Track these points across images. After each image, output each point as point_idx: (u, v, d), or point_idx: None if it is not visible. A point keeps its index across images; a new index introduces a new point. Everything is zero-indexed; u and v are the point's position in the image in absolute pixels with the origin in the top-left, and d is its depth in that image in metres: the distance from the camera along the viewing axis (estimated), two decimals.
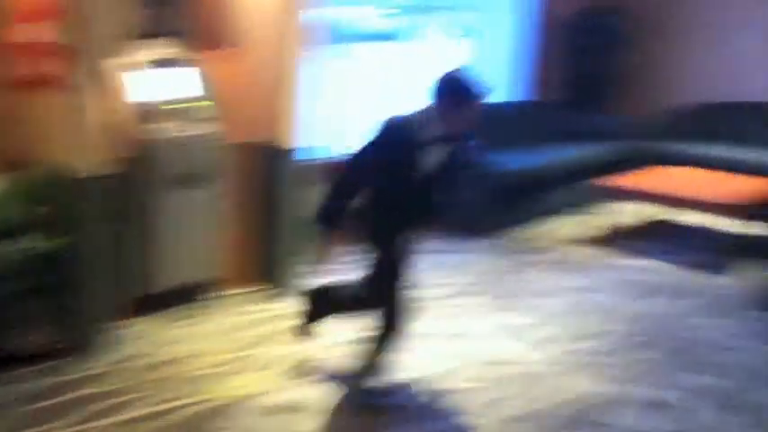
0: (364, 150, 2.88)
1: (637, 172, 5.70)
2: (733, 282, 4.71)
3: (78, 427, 2.85)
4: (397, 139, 2.83)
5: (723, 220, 5.32)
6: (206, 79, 3.75)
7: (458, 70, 2.88)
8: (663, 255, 5.18)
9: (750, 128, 6.46)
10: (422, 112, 2.85)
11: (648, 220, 5.90)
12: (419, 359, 3.41)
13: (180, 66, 3.70)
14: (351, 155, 2.94)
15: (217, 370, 3.34)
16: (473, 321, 4.00)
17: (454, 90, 2.81)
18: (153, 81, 3.61)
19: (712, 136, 6.42)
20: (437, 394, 3.23)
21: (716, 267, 4.90)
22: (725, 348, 3.80)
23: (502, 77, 6.69)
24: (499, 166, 5.41)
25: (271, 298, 4.09)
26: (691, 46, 7.04)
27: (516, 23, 6.72)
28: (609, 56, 7.01)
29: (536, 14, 6.73)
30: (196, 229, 3.80)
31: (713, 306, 4.35)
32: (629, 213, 5.75)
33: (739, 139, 6.31)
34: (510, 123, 6.10)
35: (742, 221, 5.04)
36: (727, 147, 6.15)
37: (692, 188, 5.28)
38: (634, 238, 5.59)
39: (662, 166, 5.92)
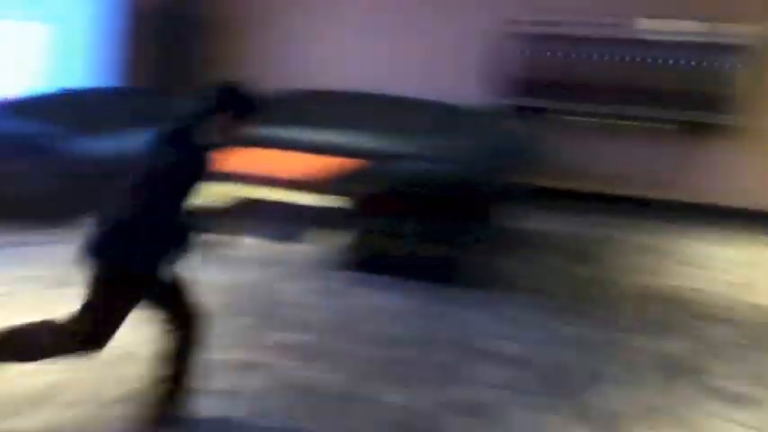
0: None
1: (227, 154, 6.05)
2: (313, 248, 5.38)
3: None
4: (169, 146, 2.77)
5: (304, 195, 5.98)
6: None
7: (238, 84, 2.96)
8: (253, 230, 5.65)
9: (331, 113, 7.37)
10: (190, 121, 2.85)
11: (239, 198, 6.34)
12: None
13: None
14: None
15: None
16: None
17: (237, 104, 2.92)
18: None
19: (299, 120, 7.14)
20: (43, 384, 3.15)
21: (299, 237, 5.54)
22: (307, 307, 4.35)
23: (85, 63, 6.50)
24: (77, 152, 5.29)
25: None
26: (282, 35, 7.71)
27: (101, 10, 6.59)
28: (198, 43, 7.29)
29: (122, 2, 6.68)
30: None
31: (297, 271, 4.93)
32: (221, 193, 6.08)
33: (321, 123, 7.12)
34: (94, 109, 5.98)
35: (320, 196, 5.73)
36: (310, 130, 6.89)
37: (278, 168, 5.86)
38: (226, 216, 5.96)
39: (252, 148, 6.39)
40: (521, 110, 7.10)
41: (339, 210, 5.39)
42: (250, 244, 5.41)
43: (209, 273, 4.70)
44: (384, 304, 4.49)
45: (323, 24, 7.68)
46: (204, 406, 3.15)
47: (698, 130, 6.69)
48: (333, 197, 5.66)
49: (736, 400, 3.55)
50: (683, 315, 4.60)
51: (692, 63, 6.51)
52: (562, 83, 6.95)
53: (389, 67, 7.55)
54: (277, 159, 6.15)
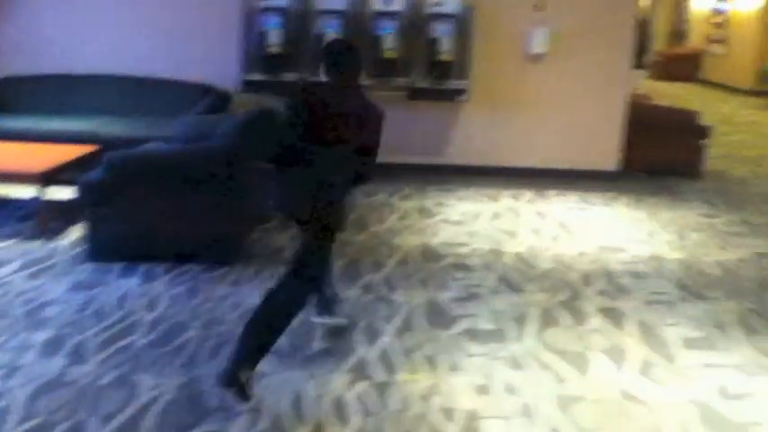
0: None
1: None
2: (52, 242, 5.20)
3: None
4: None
5: (28, 188, 5.64)
6: None
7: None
8: None
9: (47, 99, 7.08)
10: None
11: None
12: None
13: None
14: None
15: None
16: None
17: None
18: None
19: (10, 108, 6.91)
20: None
21: (33, 233, 5.32)
22: (46, 304, 4.26)
23: None
24: None
25: None
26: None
27: None
28: None
29: None
30: None
31: (36, 268, 4.76)
32: None
33: (35, 109, 6.94)
34: None
35: (45, 187, 5.43)
36: (25, 117, 6.71)
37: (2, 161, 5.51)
38: None
39: None
40: (270, 85, 7.24)
41: (69, 200, 5.21)
42: None
43: None
44: (148, 290, 4.50)
45: (53, 5, 7.26)
46: None
47: (428, 95, 7.38)
48: (61, 187, 5.58)
49: (486, 336, 4.14)
50: (448, 268, 5.13)
51: (418, 33, 7.15)
52: (307, 56, 7.20)
53: (137, 47, 7.32)
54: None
